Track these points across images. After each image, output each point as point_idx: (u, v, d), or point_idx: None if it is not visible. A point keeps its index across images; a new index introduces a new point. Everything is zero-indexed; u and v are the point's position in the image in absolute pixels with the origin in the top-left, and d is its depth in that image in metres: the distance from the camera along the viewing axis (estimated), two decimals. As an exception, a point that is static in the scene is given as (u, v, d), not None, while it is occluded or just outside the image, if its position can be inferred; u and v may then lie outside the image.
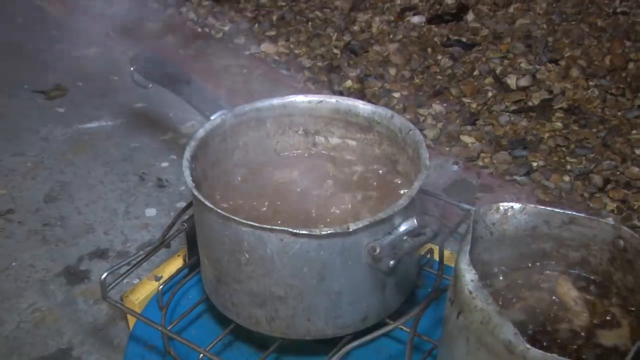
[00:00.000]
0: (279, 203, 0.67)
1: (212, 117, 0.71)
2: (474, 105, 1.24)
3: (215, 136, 0.70)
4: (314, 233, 0.54)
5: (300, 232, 0.54)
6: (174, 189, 1.09)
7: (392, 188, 0.70)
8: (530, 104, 1.23)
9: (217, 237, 0.59)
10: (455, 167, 1.06)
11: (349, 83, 1.30)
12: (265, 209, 0.66)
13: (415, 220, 0.57)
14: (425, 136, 1.15)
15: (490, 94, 1.27)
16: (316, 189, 0.70)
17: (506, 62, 1.33)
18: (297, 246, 0.55)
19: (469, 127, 1.18)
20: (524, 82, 1.27)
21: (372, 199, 0.67)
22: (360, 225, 0.55)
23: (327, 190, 0.69)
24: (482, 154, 1.12)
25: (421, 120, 1.21)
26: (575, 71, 1.28)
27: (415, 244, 0.57)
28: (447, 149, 1.13)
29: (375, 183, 0.70)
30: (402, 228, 0.57)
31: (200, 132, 0.68)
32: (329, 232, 0.54)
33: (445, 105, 1.24)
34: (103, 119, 1.26)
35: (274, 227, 0.55)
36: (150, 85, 0.80)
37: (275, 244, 0.55)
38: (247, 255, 0.57)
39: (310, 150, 0.76)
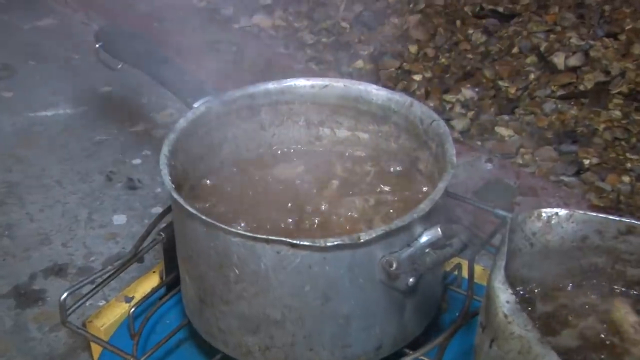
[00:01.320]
0: (275, 208, 0.68)
1: (194, 105, 0.72)
2: (512, 90, 1.25)
3: (198, 128, 0.72)
4: (318, 244, 0.55)
5: (301, 243, 0.55)
6: (148, 191, 1.11)
7: (412, 191, 0.71)
8: (581, 88, 1.24)
9: (201, 249, 0.60)
10: (489, 166, 1.07)
11: (360, 63, 1.32)
12: (259, 215, 0.67)
13: (439, 229, 0.58)
14: (452, 128, 1.17)
15: (532, 76, 1.28)
16: (320, 191, 0.71)
17: (552, 36, 1.33)
18: (297, 260, 0.56)
19: (506, 117, 1.19)
20: (574, 61, 1.28)
21: (387, 204, 0.69)
22: (374, 235, 0.56)
23: (333, 193, 0.71)
24: (522, 150, 1.13)
25: (447, 108, 1.22)
26: (638, 48, 1.28)
27: (439, 257, 0.58)
28: (479, 143, 1.14)
29: (391, 184, 0.72)
30: (424, 239, 0.58)
31: (181, 123, 0.70)
32: (335, 243, 0.55)
33: (477, 90, 1.25)
34: (60, 106, 1.28)
35: (270, 238, 0.56)
36: (119, 66, 0.82)
37: (270, 258, 0.56)
38: (237, 271, 0.58)
39: (313, 144, 0.78)
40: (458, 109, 1.22)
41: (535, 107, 1.21)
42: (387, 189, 0.71)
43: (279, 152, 0.77)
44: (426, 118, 0.70)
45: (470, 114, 1.21)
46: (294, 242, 0.55)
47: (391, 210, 0.67)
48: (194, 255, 0.62)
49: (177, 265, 0.68)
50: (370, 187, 0.71)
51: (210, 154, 0.73)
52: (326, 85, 0.75)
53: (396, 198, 0.70)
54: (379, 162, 0.75)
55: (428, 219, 0.59)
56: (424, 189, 0.71)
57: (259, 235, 0.56)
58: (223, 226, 0.57)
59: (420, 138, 0.71)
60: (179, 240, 0.66)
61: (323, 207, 0.68)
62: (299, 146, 0.77)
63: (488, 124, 1.18)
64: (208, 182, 0.73)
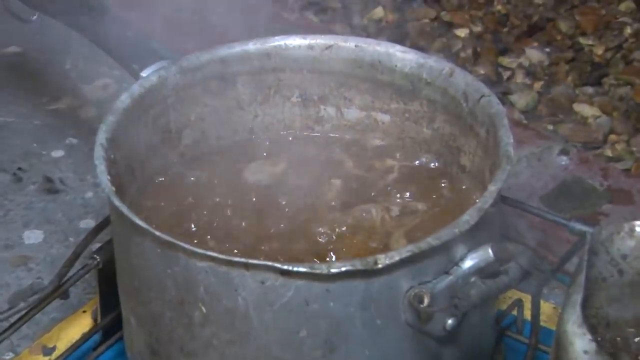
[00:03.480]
0: (258, 221, 0.69)
1: (143, 74, 0.74)
2: (599, 51, 1.26)
3: (149, 106, 0.73)
4: (318, 271, 0.56)
5: (295, 269, 0.56)
6: (75, 196, 1.12)
7: (451, 195, 0.72)
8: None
9: (154, 278, 0.61)
10: (564, 160, 1.08)
11: (379, 12, 1.33)
12: (234, 231, 0.69)
13: (490, 250, 0.60)
14: (511, 105, 1.18)
15: (628, 30, 1.29)
16: (321, 196, 0.72)
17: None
18: (289, 293, 0.57)
19: (590, 90, 1.21)
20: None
21: (416, 214, 0.70)
22: (397, 259, 0.57)
23: (339, 199, 0.72)
24: (612, 137, 1.14)
25: (505, 77, 1.23)
26: None
27: (490, 290, 0.60)
28: (551, 127, 1.16)
29: (421, 187, 0.73)
30: (468, 263, 0.59)
31: (124, 100, 0.71)
32: (343, 269, 0.56)
33: (547, 50, 1.26)
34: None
35: (251, 261, 0.56)
36: (35, 17, 0.83)
37: (252, 290, 0.57)
38: (204, 309, 0.59)
39: (311, 130, 0.79)
40: (520, 77, 1.23)
41: (633, 75, 1.22)
42: (416, 192, 0.73)
43: (263, 141, 0.79)
44: (473, 92, 0.71)
45: (538, 85, 1.22)
46: (285, 267, 0.56)
47: (422, 223, 0.69)
48: (142, 288, 0.63)
49: (119, 302, 0.69)
50: (392, 191, 0.73)
51: (166, 144, 0.75)
52: (330, 46, 0.76)
53: (429, 206, 0.71)
54: (404, 155, 0.76)
55: (474, 236, 0.60)
56: (469, 193, 0.72)
57: (235, 259, 0.56)
58: (185, 245, 0.57)
59: (463, 121, 0.72)
60: (122, 266, 0.67)
61: (326, 218, 0.70)
62: (292, 132, 0.79)
63: (563, 99, 1.19)
64: (162, 183, 0.74)
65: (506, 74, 1.24)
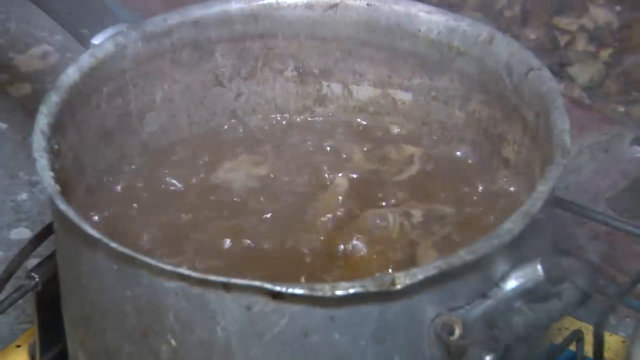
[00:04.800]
0: (242, 233, 0.70)
1: (94, 41, 0.75)
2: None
3: (102, 82, 0.74)
4: (320, 294, 0.56)
5: (290, 290, 0.56)
6: (4, 198, 1.12)
7: (491, 197, 0.73)
8: None
9: (110, 303, 0.62)
10: (639, 151, 1.08)
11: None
12: (211, 242, 0.70)
13: (539, 267, 0.60)
14: (569, 80, 1.18)
15: None
16: (323, 198, 0.73)
17: None
18: (282, 322, 0.57)
19: (673, 60, 1.21)
20: None
21: (445, 221, 0.71)
22: (420, 278, 0.57)
23: (346, 203, 0.73)
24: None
25: (562, 43, 1.23)
26: None
27: (539, 318, 0.60)
28: (622, 109, 1.16)
29: (453, 185, 0.74)
30: (512, 284, 0.60)
31: (71, 74, 0.72)
32: (350, 291, 0.56)
33: (618, 8, 1.26)
34: None
35: (233, 281, 0.56)
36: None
37: (234, 318, 0.57)
38: (173, 342, 0.60)
39: (310, 112, 0.80)
40: (582, 44, 1.23)
41: None
42: (445, 193, 0.74)
43: (249, 127, 0.80)
44: (519, 64, 0.72)
45: (605, 53, 1.22)
46: (277, 288, 0.55)
47: (452, 233, 0.70)
48: (95, 315, 0.64)
49: (63, 334, 0.70)
50: (414, 191, 0.74)
51: (125, 131, 0.76)
52: (335, 5, 0.77)
53: (461, 210, 0.72)
54: (430, 145, 0.78)
55: (519, 249, 0.60)
56: (513, 193, 0.73)
57: (213, 277, 0.56)
58: (150, 261, 0.57)
59: (506, 101, 0.73)
60: (67, 287, 0.68)
61: (329, 227, 0.71)
62: (285, 116, 0.80)
63: (638, 72, 1.21)
64: (120, 181, 0.76)
65: (564, 40, 1.24)
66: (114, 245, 0.59)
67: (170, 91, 0.78)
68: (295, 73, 0.80)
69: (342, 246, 0.70)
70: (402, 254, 0.69)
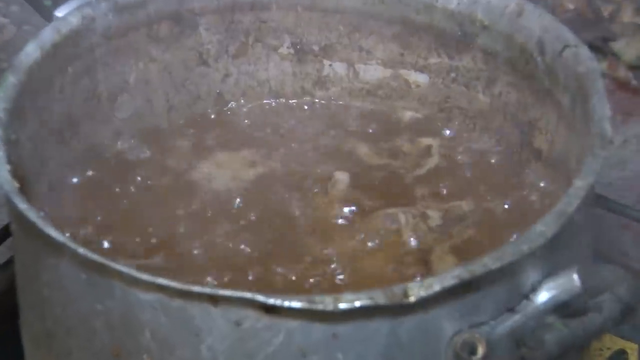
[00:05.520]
0: (229, 235, 0.71)
1: (57, 12, 0.76)
2: None
3: (68, 61, 0.74)
4: (320, 307, 0.56)
5: (286, 304, 0.56)
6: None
7: (520, 194, 0.74)
8: None
9: (76, 317, 0.62)
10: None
11: None
12: (197, 249, 0.70)
13: (576, 276, 0.60)
14: (615, 58, 1.19)
15: None
16: (324, 197, 0.74)
17: None
18: (276, 340, 0.58)
19: None
20: None
21: (466, 223, 0.72)
22: (437, 289, 0.57)
23: (351, 202, 0.73)
24: None
25: (605, 14, 1.24)
26: None
27: (575, 335, 0.60)
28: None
29: (475, 181, 0.75)
30: (543, 297, 0.60)
31: (30, 52, 0.72)
32: (356, 304, 0.56)
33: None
34: None
35: (220, 293, 0.56)
36: None
37: (221, 335, 0.58)
38: None
39: (310, 96, 0.81)
40: (628, 15, 1.23)
41: None
42: (465, 191, 0.74)
43: (238, 113, 0.81)
44: (552, 40, 0.72)
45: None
46: (272, 301, 0.55)
47: (474, 236, 0.70)
48: (59, 332, 0.64)
49: (21, 354, 0.70)
50: (431, 188, 0.74)
51: (93, 118, 0.77)
52: (339, -29, 0.78)
53: (486, 210, 0.73)
54: (449, 134, 0.79)
55: (553, 255, 0.61)
56: (546, 190, 0.73)
57: (197, 288, 0.56)
58: (124, 269, 0.57)
59: (538, 83, 0.73)
60: (27, 300, 0.68)
61: (329, 233, 0.71)
62: (281, 101, 0.81)
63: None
64: (87, 177, 0.76)
65: (607, 10, 1.25)
66: (81, 250, 0.59)
67: (146, 71, 0.78)
68: (292, 50, 0.80)
69: (346, 252, 0.70)
70: (416, 261, 0.70)
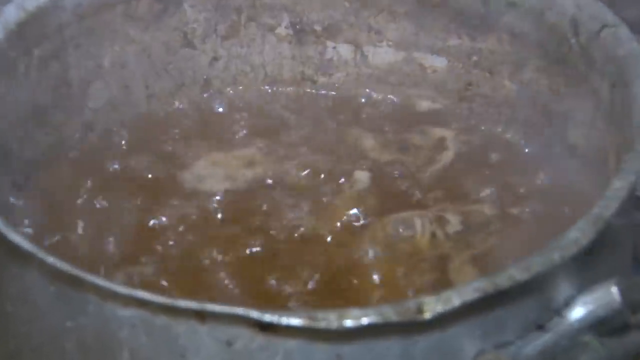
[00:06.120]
0: (217, 242, 0.71)
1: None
2: None
3: (33, 43, 0.74)
4: (322, 325, 0.56)
5: (284, 321, 0.56)
6: None
7: (551, 195, 0.74)
8: None
9: (45, 335, 0.62)
10: None
11: None
12: (182, 259, 0.70)
13: (615, 289, 0.60)
14: None
15: None
16: (327, 201, 0.74)
17: None
18: None
19: None
20: None
21: (489, 229, 0.71)
22: (456, 304, 0.57)
23: (357, 204, 0.73)
24: None
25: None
26: None
27: (614, 357, 0.60)
28: None
29: (500, 180, 0.74)
30: (578, 312, 0.60)
31: None
32: (364, 321, 0.56)
33: None
34: None
35: (209, 308, 0.56)
36: None
37: (210, 356, 0.58)
38: None
39: (311, 83, 0.82)
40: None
41: None
42: (488, 191, 0.74)
43: (228, 103, 0.81)
44: (588, 19, 0.72)
45: None
46: (267, 318, 0.55)
47: (498, 244, 0.70)
48: (24, 352, 0.64)
49: None
50: (449, 188, 0.75)
51: (63, 107, 0.77)
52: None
53: (511, 213, 0.72)
54: (470, 127, 0.79)
55: (588, 266, 0.61)
56: (581, 190, 0.73)
57: (183, 303, 0.56)
58: (99, 281, 0.57)
59: (571, 68, 0.73)
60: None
61: (333, 237, 0.72)
62: (278, 88, 0.81)
63: None
64: (56, 174, 0.76)
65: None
66: (50, 260, 0.59)
67: (122, 54, 0.78)
68: (290, 31, 0.80)
69: (353, 262, 0.70)
70: (432, 272, 0.70)
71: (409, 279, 0.69)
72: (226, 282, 0.69)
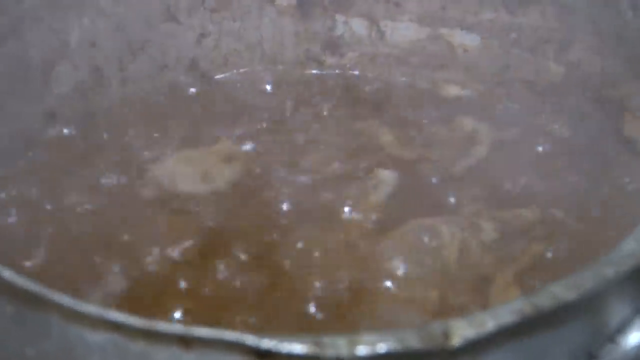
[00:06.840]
0: (206, 251, 0.70)
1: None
2: None
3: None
4: (330, 353, 0.55)
5: (285, 348, 0.56)
6: None
7: (605, 198, 0.73)
8: None
9: None
10: None
11: None
12: (165, 272, 0.69)
13: None
14: None
15: None
16: (338, 203, 0.74)
17: None
18: None
19: None
20: None
21: (532, 238, 0.71)
22: (490, 329, 0.57)
23: (373, 210, 0.73)
24: None
25: None
26: None
27: None
28: None
29: (543, 180, 0.74)
30: (634, 338, 0.60)
31: None
32: (379, 349, 0.56)
33: None
34: None
35: (194, 334, 0.56)
36: None
37: None
38: None
39: (318, 64, 0.82)
40: None
41: None
42: (529, 192, 0.73)
43: (218, 87, 0.81)
44: None
45: None
46: (265, 345, 0.56)
47: (543, 257, 0.69)
48: None
49: None
50: (481, 189, 0.74)
51: (21, 94, 0.76)
52: None
53: (557, 220, 0.72)
54: (507, 116, 0.78)
55: None
56: (637, 191, 0.73)
57: (164, 326, 0.56)
58: (64, 300, 0.57)
59: (629, 47, 0.73)
60: None
61: (344, 246, 0.71)
62: (278, 69, 0.81)
63: None
64: (13, 175, 0.75)
65: None
66: (6, 274, 0.59)
67: (92, 29, 0.78)
68: (293, 2, 0.80)
69: (367, 277, 0.69)
70: (463, 291, 0.69)
71: (434, 297, 0.68)
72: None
